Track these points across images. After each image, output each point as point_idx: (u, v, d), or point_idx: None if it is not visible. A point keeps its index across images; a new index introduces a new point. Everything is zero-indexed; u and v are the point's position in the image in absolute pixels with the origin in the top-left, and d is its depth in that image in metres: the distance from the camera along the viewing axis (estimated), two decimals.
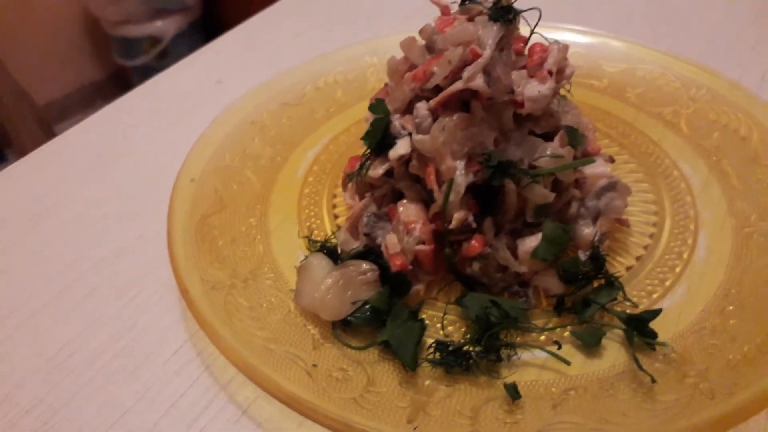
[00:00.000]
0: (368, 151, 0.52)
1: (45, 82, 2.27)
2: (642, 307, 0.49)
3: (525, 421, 0.42)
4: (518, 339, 0.47)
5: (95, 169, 0.70)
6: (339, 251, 0.53)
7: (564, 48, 0.49)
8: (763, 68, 0.78)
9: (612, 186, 0.52)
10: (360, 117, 0.72)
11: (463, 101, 0.48)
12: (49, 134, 2.17)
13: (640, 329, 0.46)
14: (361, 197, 0.55)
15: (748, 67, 0.78)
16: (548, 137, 0.50)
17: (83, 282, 0.57)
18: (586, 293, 0.48)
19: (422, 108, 0.49)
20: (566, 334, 0.48)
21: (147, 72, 2.34)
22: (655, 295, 0.50)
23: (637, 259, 0.53)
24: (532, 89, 0.47)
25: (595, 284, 0.49)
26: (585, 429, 0.41)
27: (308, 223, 0.60)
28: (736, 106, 0.65)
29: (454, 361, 0.45)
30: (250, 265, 0.55)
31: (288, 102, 0.73)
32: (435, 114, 0.48)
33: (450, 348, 0.45)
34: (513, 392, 0.43)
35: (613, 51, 0.75)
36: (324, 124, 0.72)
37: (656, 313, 0.46)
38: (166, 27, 2.30)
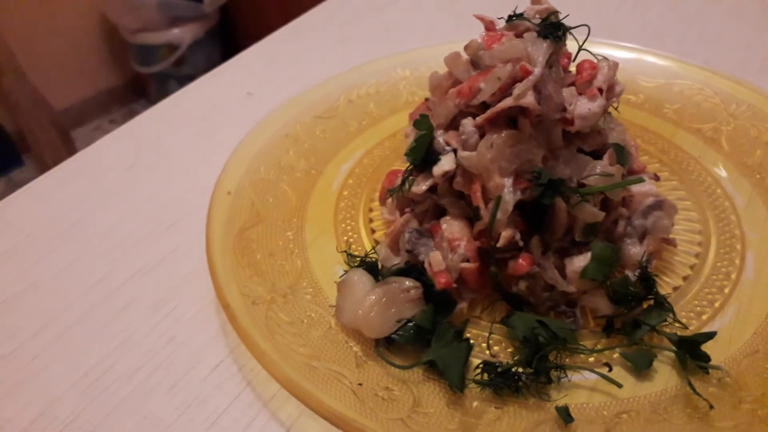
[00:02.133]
0: (410, 166, 0.52)
1: (63, 88, 2.29)
2: (692, 329, 0.48)
3: None
4: (567, 360, 0.46)
5: (126, 182, 0.70)
6: (379, 267, 0.52)
7: (614, 65, 0.49)
8: None
9: (659, 205, 0.51)
10: (393, 130, 0.72)
11: (510, 118, 0.47)
12: (67, 140, 2.19)
13: (692, 352, 0.45)
14: (402, 212, 0.55)
15: None
16: (595, 155, 0.50)
17: (118, 296, 0.57)
18: (636, 314, 0.47)
19: (468, 124, 0.48)
20: (615, 355, 0.47)
21: (164, 79, 2.37)
22: (704, 317, 0.49)
23: (684, 279, 0.52)
24: (582, 107, 0.46)
25: (644, 305, 0.48)
26: None
27: (345, 238, 0.59)
28: None
29: (503, 383, 0.44)
30: (289, 280, 0.54)
31: (321, 115, 0.73)
32: (482, 130, 0.48)
33: (499, 369, 0.44)
34: (565, 415, 0.42)
35: (649, 66, 0.75)
36: (357, 137, 0.71)
37: (710, 336, 0.45)
38: (183, 35, 2.31)
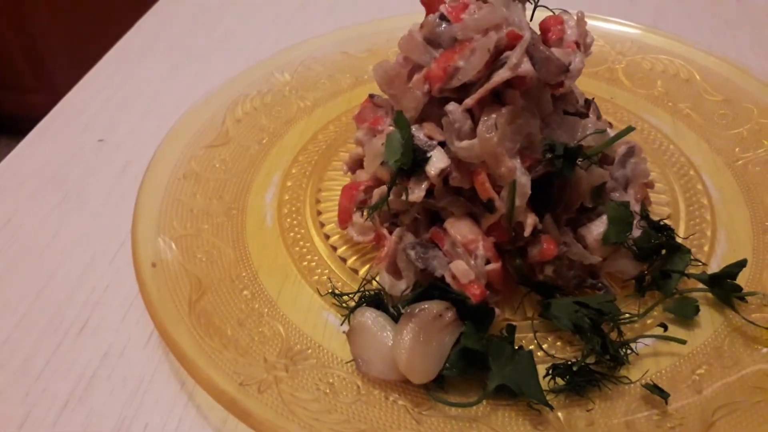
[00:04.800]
0: (392, 173, 0.44)
1: None
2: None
3: (688, 417, 0.38)
4: (628, 334, 0.43)
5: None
6: (384, 298, 0.44)
7: (582, 17, 0.46)
8: None
9: (631, 151, 0.50)
10: (301, 143, 0.63)
11: (494, 93, 0.42)
12: None
13: (725, 286, 0.44)
14: (381, 230, 0.47)
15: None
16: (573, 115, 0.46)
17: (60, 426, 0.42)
18: (661, 266, 0.46)
19: (456, 110, 0.42)
20: (649, 321, 0.45)
21: None
22: (706, 248, 0.50)
23: (668, 218, 0.52)
24: (578, 63, 0.42)
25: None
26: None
27: (315, 277, 0.50)
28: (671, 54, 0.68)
29: (584, 381, 0.39)
30: (278, 347, 0.44)
31: (212, 143, 0.61)
32: (473, 114, 0.42)
33: (574, 368, 0.40)
34: (659, 391, 0.39)
35: None
36: (264, 159, 0.61)
37: (741, 264, 0.44)
38: None
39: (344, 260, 0.51)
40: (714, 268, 0.48)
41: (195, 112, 0.63)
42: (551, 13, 0.47)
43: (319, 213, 0.56)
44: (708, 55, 0.66)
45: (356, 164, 0.55)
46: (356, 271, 0.50)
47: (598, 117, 0.48)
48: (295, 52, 0.73)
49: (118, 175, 0.63)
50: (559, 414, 0.39)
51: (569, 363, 0.40)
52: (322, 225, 0.54)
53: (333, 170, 0.60)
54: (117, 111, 0.71)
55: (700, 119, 0.61)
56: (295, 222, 0.55)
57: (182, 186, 0.56)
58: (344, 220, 0.50)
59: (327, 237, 0.53)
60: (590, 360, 0.41)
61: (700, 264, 0.48)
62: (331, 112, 0.67)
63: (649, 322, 0.44)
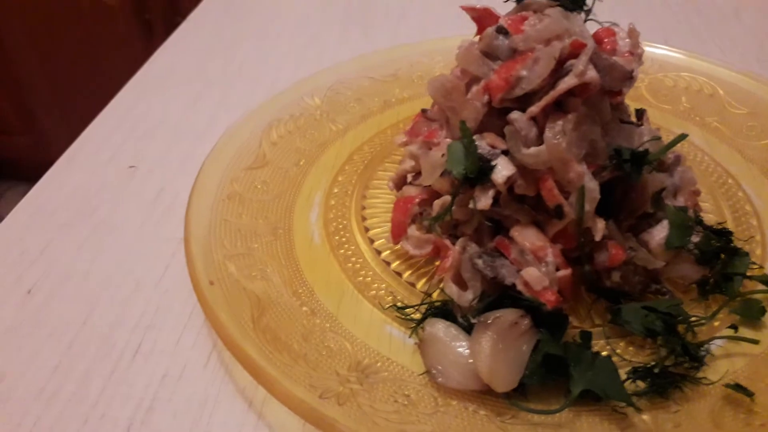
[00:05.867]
0: (455, 183, 0.44)
1: None
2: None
3: None
4: (699, 336, 0.43)
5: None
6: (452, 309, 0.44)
7: (634, 28, 0.47)
8: None
9: (678, 160, 0.51)
10: (339, 164, 0.63)
11: (556, 102, 0.43)
12: None
13: None
14: (442, 241, 0.47)
15: None
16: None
17: None
18: (722, 270, 0.46)
19: (521, 118, 0.42)
20: (716, 323, 0.45)
21: None
22: (758, 252, 0.50)
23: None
24: (636, 72, 0.43)
25: None
26: None
27: (371, 292, 0.49)
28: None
29: (667, 383, 0.39)
30: (346, 362, 0.43)
31: (251, 166, 0.61)
32: (538, 122, 0.42)
33: (655, 370, 0.39)
34: (743, 390, 0.39)
35: None
36: (303, 180, 0.61)
37: None
38: None
39: (399, 275, 0.51)
40: None
41: (231, 136, 0.63)
42: (600, 26, 0.48)
43: (367, 230, 0.55)
44: (729, 71, 0.68)
45: (402, 181, 0.55)
46: (413, 285, 0.50)
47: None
48: (321, 78, 0.73)
49: (152, 201, 0.63)
50: (645, 417, 0.39)
51: (649, 366, 0.40)
52: (372, 241, 0.54)
53: (374, 189, 0.60)
54: (142, 140, 0.71)
55: (728, 132, 0.63)
56: (343, 239, 0.54)
57: (227, 207, 0.55)
58: (398, 234, 0.50)
59: (378, 253, 0.53)
60: (668, 363, 0.41)
61: (756, 266, 0.48)
62: (363, 134, 0.68)
63: (716, 324, 0.44)
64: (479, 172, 0.43)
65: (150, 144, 0.70)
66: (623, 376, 0.40)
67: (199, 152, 0.62)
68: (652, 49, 0.72)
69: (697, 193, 0.53)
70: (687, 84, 0.69)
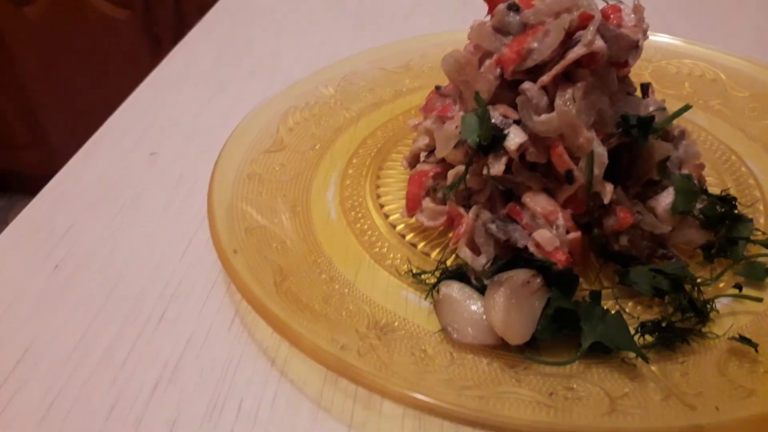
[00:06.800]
0: (469, 152, 0.46)
1: None
2: None
3: None
4: (705, 296, 0.45)
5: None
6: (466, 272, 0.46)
7: (639, 4, 0.49)
8: None
9: (683, 133, 0.53)
10: (352, 148, 0.66)
11: (565, 73, 0.45)
12: None
13: None
14: (457, 209, 0.49)
15: None
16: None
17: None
18: (727, 234, 0.48)
19: (532, 88, 0.44)
20: (722, 284, 0.47)
21: None
22: (762, 220, 0.52)
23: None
24: (641, 43, 0.46)
25: None
26: None
27: (388, 261, 0.51)
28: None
29: (674, 337, 0.41)
30: (365, 321, 0.45)
31: (269, 149, 0.63)
32: (548, 91, 0.45)
33: (663, 324, 0.41)
34: (748, 342, 0.40)
35: None
36: (319, 163, 0.63)
37: None
38: None
39: (414, 245, 0.53)
40: None
41: (250, 121, 0.66)
42: (606, 4, 0.50)
43: (381, 206, 0.57)
44: (730, 56, 0.70)
45: (416, 159, 0.57)
46: (428, 254, 0.51)
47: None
48: (335, 69, 0.76)
49: (174, 186, 0.65)
50: (654, 367, 0.40)
51: (657, 320, 0.42)
52: (387, 216, 0.56)
53: (387, 169, 0.62)
54: (162, 131, 0.73)
55: (731, 113, 0.65)
56: (359, 215, 0.56)
57: (248, 185, 0.58)
58: (413, 207, 0.52)
59: (393, 226, 0.55)
60: (675, 318, 0.42)
61: (759, 233, 0.50)
62: (376, 121, 0.70)
63: (721, 285, 0.46)
64: (492, 140, 0.45)
65: (170, 134, 0.73)
66: (632, 332, 0.42)
67: (216, 142, 0.65)
68: (655, 38, 0.74)
69: (701, 166, 0.54)
70: (690, 70, 0.71)
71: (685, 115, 0.64)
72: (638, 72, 0.73)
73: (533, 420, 0.36)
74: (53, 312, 0.50)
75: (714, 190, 0.55)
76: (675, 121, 0.53)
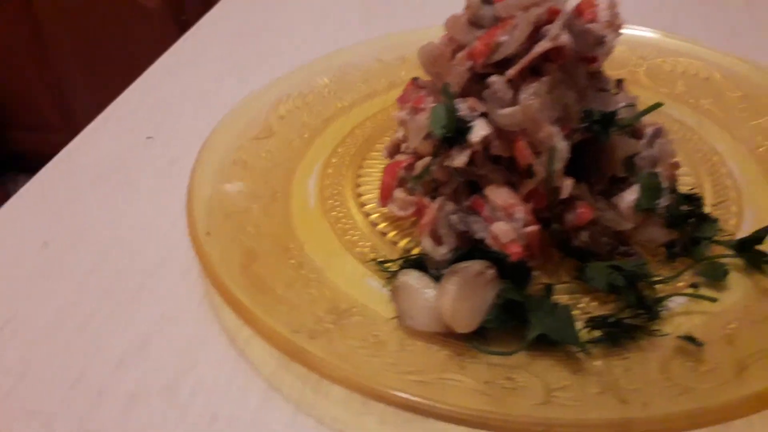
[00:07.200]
0: (435, 143, 0.47)
1: None
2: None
3: (721, 362, 0.40)
4: (660, 294, 0.45)
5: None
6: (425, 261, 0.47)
7: (613, 0, 0.49)
8: None
9: (658, 132, 0.53)
10: (339, 137, 0.67)
11: (532, 68, 0.46)
12: None
13: (754, 252, 0.46)
14: (422, 200, 0.50)
15: None
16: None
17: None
18: (690, 234, 0.48)
19: (499, 81, 0.45)
20: (680, 284, 0.47)
21: None
22: (732, 222, 0.52)
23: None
24: (613, 39, 0.46)
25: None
26: None
27: (357, 249, 0.52)
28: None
29: (620, 333, 0.41)
30: (324, 306, 0.46)
31: (257, 136, 0.65)
32: (514, 85, 0.45)
33: (610, 320, 0.42)
34: (693, 341, 0.41)
35: None
36: (306, 151, 0.65)
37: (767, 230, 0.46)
38: None
39: (384, 234, 0.54)
40: None
41: (241, 107, 0.67)
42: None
43: (359, 195, 0.59)
44: (726, 56, 0.69)
45: (395, 149, 0.58)
46: (395, 243, 0.53)
47: None
48: (332, 59, 0.77)
49: (166, 168, 0.67)
50: (598, 362, 0.41)
51: (605, 316, 0.42)
52: (363, 205, 0.57)
53: (371, 159, 0.63)
54: (160, 116, 0.76)
55: (721, 113, 0.64)
56: (336, 203, 0.58)
57: (232, 171, 0.59)
58: (386, 197, 0.53)
59: (367, 215, 0.56)
60: (625, 315, 0.43)
61: (726, 234, 0.49)
62: (367, 111, 0.71)
63: (680, 285, 0.46)
64: (457, 132, 0.46)
65: (168, 120, 0.75)
66: (580, 327, 0.42)
67: (214, 126, 0.67)
68: (650, 35, 0.74)
69: (675, 165, 0.54)
70: (684, 68, 0.70)
71: (673, 113, 0.64)
72: (633, 69, 0.73)
73: (466, 407, 0.36)
74: (37, 287, 0.53)
75: (687, 188, 0.55)
76: (654, 119, 0.53)
